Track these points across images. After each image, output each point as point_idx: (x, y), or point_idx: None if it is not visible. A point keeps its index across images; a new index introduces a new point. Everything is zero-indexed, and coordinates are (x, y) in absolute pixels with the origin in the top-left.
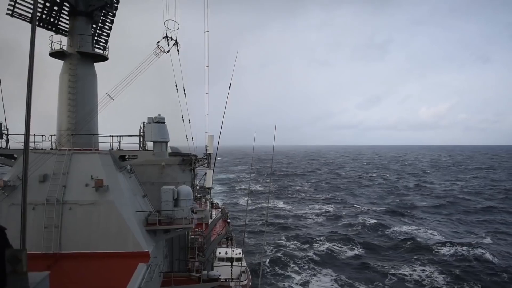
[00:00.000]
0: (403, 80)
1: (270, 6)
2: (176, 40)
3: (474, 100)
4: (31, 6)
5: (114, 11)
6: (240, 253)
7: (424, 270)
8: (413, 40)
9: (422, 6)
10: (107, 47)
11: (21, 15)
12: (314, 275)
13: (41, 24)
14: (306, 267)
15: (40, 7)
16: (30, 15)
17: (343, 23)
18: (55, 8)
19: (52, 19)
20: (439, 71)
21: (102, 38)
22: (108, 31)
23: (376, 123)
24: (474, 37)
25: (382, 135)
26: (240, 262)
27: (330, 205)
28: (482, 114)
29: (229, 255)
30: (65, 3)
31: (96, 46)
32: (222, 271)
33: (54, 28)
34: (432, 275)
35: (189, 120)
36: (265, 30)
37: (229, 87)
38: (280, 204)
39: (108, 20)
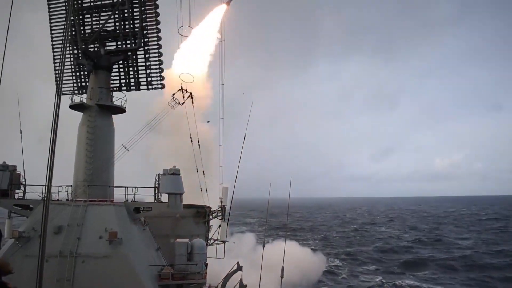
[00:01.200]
0: (416, 131)
1: (280, 64)
2: (191, 93)
3: (489, 149)
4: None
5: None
6: None
7: None
8: (424, 90)
9: (431, 57)
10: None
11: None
12: None
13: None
14: None
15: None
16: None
17: (352, 75)
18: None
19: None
20: (452, 120)
21: (156, 75)
22: (158, 66)
23: (389, 174)
24: (486, 84)
25: (396, 186)
26: None
27: (339, 260)
28: (498, 164)
29: None
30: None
31: (152, 85)
32: None
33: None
34: None
35: (203, 172)
36: (276, 86)
37: (244, 138)
38: None
39: (152, 58)
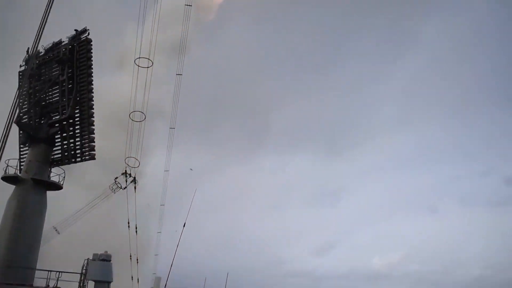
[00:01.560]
0: (356, 228)
1: (227, 154)
2: (134, 178)
3: (424, 250)
4: None
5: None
6: None
7: None
8: (364, 189)
9: (372, 159)
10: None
11: None
12: None
13: None
14: None
15: None
16: None
17: (296, 170)
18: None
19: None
20: (391, 220)
21: (87, 146)
22: (87, 136)
23: (328, 272)
24: (422, 188)
25: (335, 284)
26: None
27: None
28: (432, 266)
29: None
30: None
31: (84, 155)
32: None
33: None
34: None
35: (137, 260)
36: (222, 173)
37: (183, 226)
38: None
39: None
